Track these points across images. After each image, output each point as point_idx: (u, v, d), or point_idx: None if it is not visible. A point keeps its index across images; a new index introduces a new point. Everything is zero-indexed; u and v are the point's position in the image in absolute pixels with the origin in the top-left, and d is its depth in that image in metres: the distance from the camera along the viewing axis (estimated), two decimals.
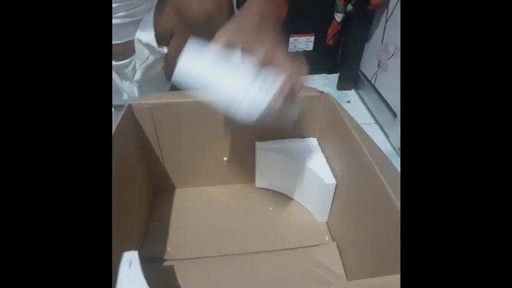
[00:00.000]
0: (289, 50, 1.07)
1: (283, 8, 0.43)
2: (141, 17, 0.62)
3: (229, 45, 0.35)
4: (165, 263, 0.45)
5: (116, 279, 0.33)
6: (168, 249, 0.46)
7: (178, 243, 0.46)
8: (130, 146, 0.47)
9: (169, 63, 0.67)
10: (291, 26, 1.02)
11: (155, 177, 0.55)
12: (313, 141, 0.53)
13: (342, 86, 1.07)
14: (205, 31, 0.57)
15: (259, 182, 0.57)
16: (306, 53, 1.09)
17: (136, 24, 0.63)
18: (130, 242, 0.44)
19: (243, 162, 0.55)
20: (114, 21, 0.61)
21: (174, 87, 0.71)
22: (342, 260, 0.45)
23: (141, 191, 0.51)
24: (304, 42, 1.07)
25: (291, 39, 1.06)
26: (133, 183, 0.48)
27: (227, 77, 0.35)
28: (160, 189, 0.56)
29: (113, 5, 0.59)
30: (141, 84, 0.72)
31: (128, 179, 0.45)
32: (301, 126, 0.53)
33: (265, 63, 0.34)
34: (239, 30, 0.37)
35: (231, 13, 0.61)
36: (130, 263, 0.34)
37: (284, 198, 0.56)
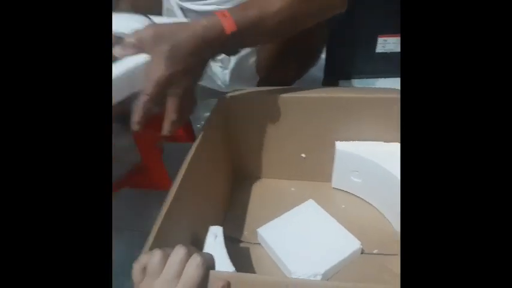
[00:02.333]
0: (376, 51, 1.03)
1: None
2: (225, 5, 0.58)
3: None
4: (241, 244, 0.48)
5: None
6: (245, 233, 0.50)
7: (254, 229, 0.49)
8: (219, 135, 0.52)
9: (260, 57, 0.69)
10: (380, 26, 0.98)
11: (237, 165, 0.59)
12: (398, 147, 0.51)
13: None
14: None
15: (336, 183, 0.57)
16: (395, 54, 1.03)
17: None
18: (214, 221, 0.49)
19: (321, 161, 0.56)
20: (203, 7, 0.60)
21: (262, 81, 0.75)
22: None
23: (224, 177, 0.56)
24: (394, 43, 1.01)
25: (380, 40, 1.01)
26: (218, 168, 0.53)
27: None
28: (241, 178, 0.60)
29: None
30: (233, 73, 0.76)
31: (212, 165, 0.50)
32: (386, 130, 0.51)
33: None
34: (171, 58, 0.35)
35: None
36: (216, 236, 0.38)
37: (361, 202, 0.55)
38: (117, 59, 0.36)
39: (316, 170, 0.57)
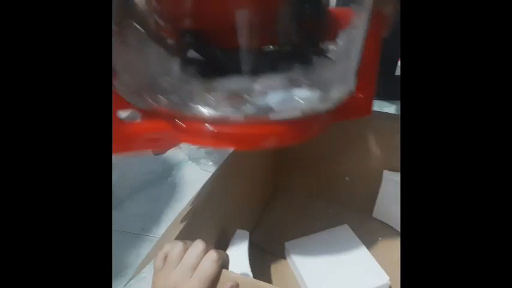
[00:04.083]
0: (396, 74, 0.97)
1: None
2: None
3: None
4: (266, 254, 0.49)
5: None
6: (272, 244, 0.50)
7: (282, 242, 0.49)
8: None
9: None
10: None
11: (278, 178, 0.60)
12: None
13: None
14: None
15: (377, 213, 0.54)
16: None
17: None
18: (244, 226, 0.51)
19: (365, 188, 0.54)
20: None
21: None
22: None
23: (263, 186, 0.58)
24: None
25: (400, 63, 0.93)
26: (258, 176, 0.55)
27: None
28: (280, 190, 0.60)
29: None
30: None
31: (252, 171, 0.51)
32: None
33: None
34: None
35: None
36: (241, 240, 0.40)
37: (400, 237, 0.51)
38: None
39: (358, 196, 0.55)
